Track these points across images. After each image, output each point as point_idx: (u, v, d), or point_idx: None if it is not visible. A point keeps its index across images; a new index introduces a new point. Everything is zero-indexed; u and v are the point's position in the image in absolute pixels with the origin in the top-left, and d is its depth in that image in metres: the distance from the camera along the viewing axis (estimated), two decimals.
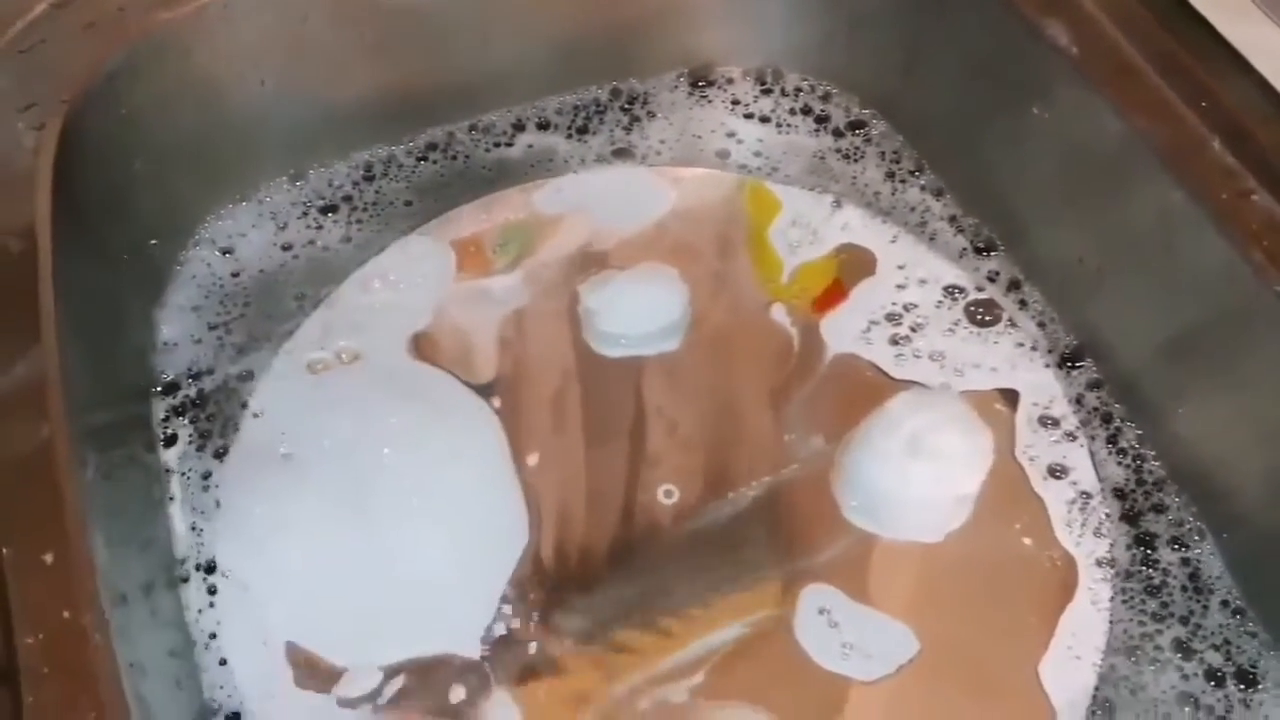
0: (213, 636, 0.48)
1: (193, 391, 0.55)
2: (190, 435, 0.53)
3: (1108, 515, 0.51)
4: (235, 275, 0.58)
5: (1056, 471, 0.52)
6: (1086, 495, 0.51)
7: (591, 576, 0.50)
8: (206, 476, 0.52)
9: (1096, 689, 0.47)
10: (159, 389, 0.55)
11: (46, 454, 0.41)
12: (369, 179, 0.62)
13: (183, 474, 0.52)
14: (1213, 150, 0.47)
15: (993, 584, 0.49)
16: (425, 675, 0.47)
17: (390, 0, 0.58)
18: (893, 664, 0.47)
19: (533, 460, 0.53)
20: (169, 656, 0.46)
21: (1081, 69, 0.50)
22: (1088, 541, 0.50)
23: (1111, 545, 0.50)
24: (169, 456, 0.52)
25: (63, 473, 0.41)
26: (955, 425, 0.50)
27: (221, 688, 0.47)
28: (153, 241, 0.57)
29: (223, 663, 0.47)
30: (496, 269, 0.59)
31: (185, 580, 0.49)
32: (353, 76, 0.60)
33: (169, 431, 0.53)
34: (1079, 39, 0.51)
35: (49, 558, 0.39)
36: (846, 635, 0.48)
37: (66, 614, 0.38)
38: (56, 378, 0.43)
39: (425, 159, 0.63)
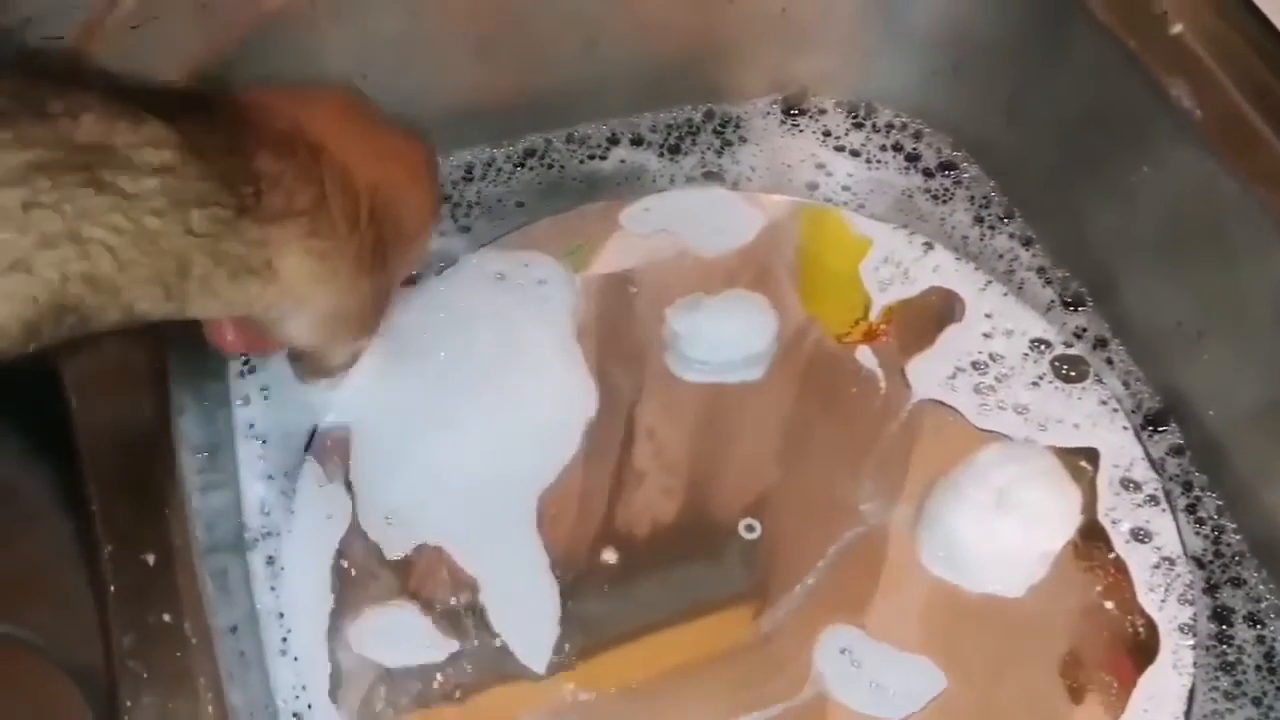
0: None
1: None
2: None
3: (1191, 583, 0.50)
4: None
5: (1140, 535, 0.52)
6: (1170, 561, 0.51)
7: (646, 607, 0.50)
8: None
9: None
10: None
11: (152, 439, 0.41)
12: (469, 180, 0.62)
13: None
14: None
15: (1072, 643, 0.49)
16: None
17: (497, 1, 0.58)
18: None
19: (603, 472, 0.53)
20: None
21: (1203, 132, 0.50)
22: (1170, 607, 0.50)
23: (1194, 613, 0.49)
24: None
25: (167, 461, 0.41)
26: (1044, 481, 0.50)
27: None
28: None
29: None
30: None
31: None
32: (457, 76, 0.60)
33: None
34: (1202, 101, 0.50)
35: (150, 558, 0.39)
36: (900, 686, 0.48)
37: (166, 617, 0.38)
38: (161, 360, 0.43)
39: (523, 164, 0.63)
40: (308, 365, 0.50)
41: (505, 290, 0.57)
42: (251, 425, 0.52)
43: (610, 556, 0.50)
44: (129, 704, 0.36)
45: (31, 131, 0.29)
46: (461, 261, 0.58)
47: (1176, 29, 0.52)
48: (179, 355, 0.46)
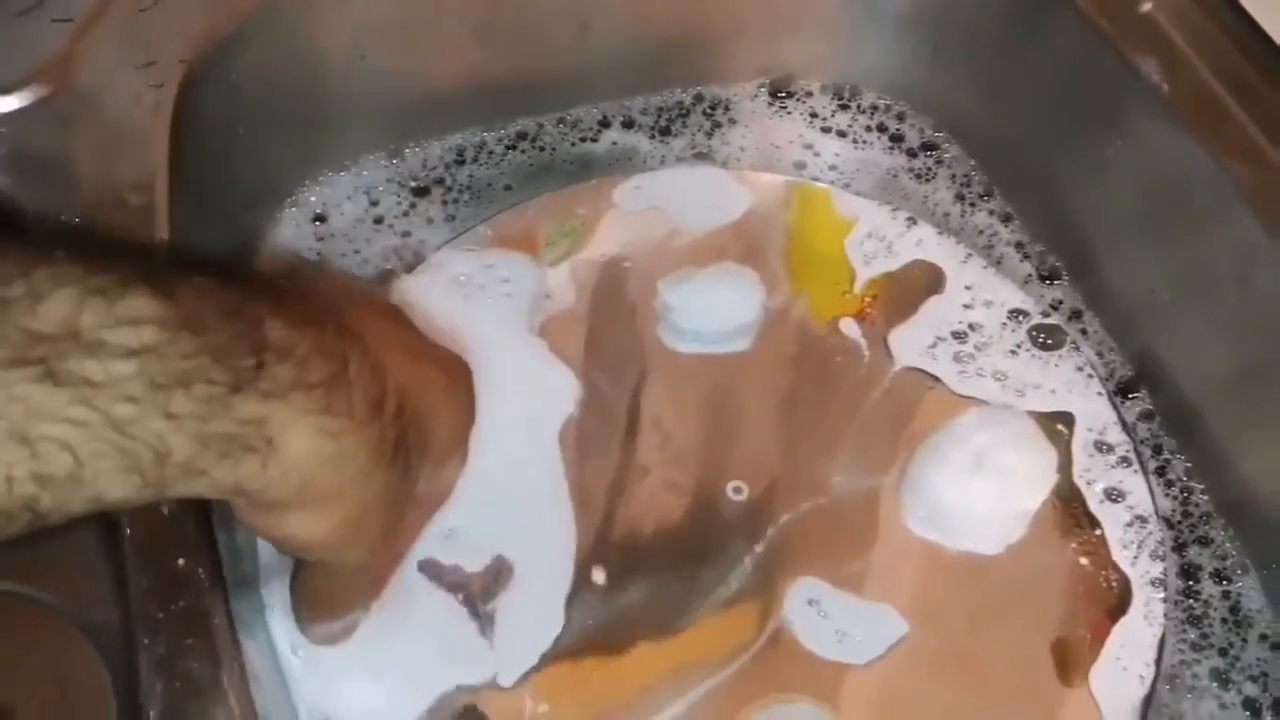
0: None
1: None
2: None
3: (1162, 540, 0.52)
4: (320, 239, 0.60)
5: (1113, 495, 0.54)
6: (1142, 520, 0.53)
7: (634, 564, 0.51)
8: None
9: (1144, 699, 0.48)
10: None
11: None
12: (460, 163, 0.64)
13: None
14: None
15: (1047, 596, 0.51)
16: None
17: None
18: (942, 672, 0.49)
19: (597, 441, 0.54)
20: None
21: (1171, 106, 0.52)
22: (1142, 563, 0.52)
23: (1165, 568, 0.52)
24: None
25: None
26: (1022, 443, 0.52)
27: None
28: (249, 204, 0.59)
29: None
30: (547, 258, 0.60)
31: None
32: (452, 58, 0.61)
33: None
34: (1170, 76, 0.53)
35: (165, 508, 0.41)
36: (862, 632, 0.50)
37: (181, 562, 0.40)
38: None
39: (514, 147, 0.65)
40: (304, 595, 0.44)
41: (463, 295, 0.57)
42: None
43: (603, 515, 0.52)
44: (145, 642, 0.38)
45: None
46: (429, 260, 0.59)
47: (1146, 8, 0.54)
48: None
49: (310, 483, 0.33)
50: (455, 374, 0.44)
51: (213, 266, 0.32)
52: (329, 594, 0.42)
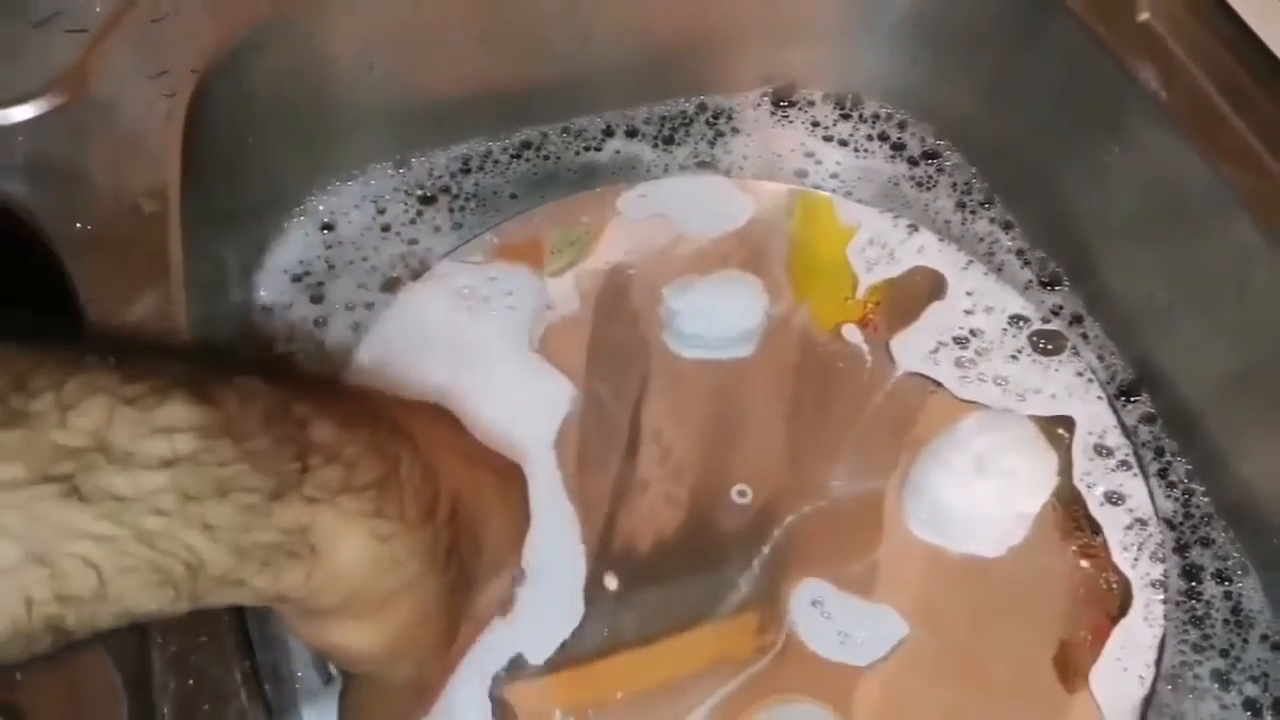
0: None
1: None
2: None
3: (1162, 543, 0.53)
4: (329, 248, 0.61)
5: (1114, 498, 0.54)
6: (1142, 522, 0.53)
7: (639, 569, 0.52)
8: None
9: (1144, 699, 0.49)
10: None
11: None
12: (466, 171, 0.64)
13: None
14: None
15: (1048, 598, 0.51)
16: None
17: None
18: (944, 673, 0.50)
19: (600, 448, 0.55)
20: None
21: (1169, 113, 0.53)
22: (1143, 564, 0.52)
23: (1165, 570, 0.52)
24: None
25: None
26: (1022, 446, 0.52)
27: None
28: (258, 211, 0.60)
29: None
30: (551, 268, 0.61)
31: None
32: (457, 68, 0.62)
33: None
34: (1167, 83, 0.53)
35: None
36: (864, 634, 0.50)
37: None
38: (185, 329, 0.46)
39: (519, 156, 0.65)
40: (354, 706, 0.40)
41: (466, 308, 0.58)
42: None
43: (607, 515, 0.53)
44: (159, 640, 0.38)
45: (2, 440, 0.25)
46: (432, 270, 0.60)
47: (1144, 16, 0.55)
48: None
49: (360, 590, 0.32)
50: (509, 479, 0.42)
51: (261, 367, 0.31)
52: (378, 709, 0.40)
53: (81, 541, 0.26)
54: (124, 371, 0.27)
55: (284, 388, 0.30)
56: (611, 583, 0.51)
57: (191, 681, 0.38)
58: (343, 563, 0.31)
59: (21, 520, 0.25)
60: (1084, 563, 0.52)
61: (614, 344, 0.58)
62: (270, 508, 0.29)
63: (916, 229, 0.63)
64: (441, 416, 0.41)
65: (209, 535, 0.27)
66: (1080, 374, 0.58)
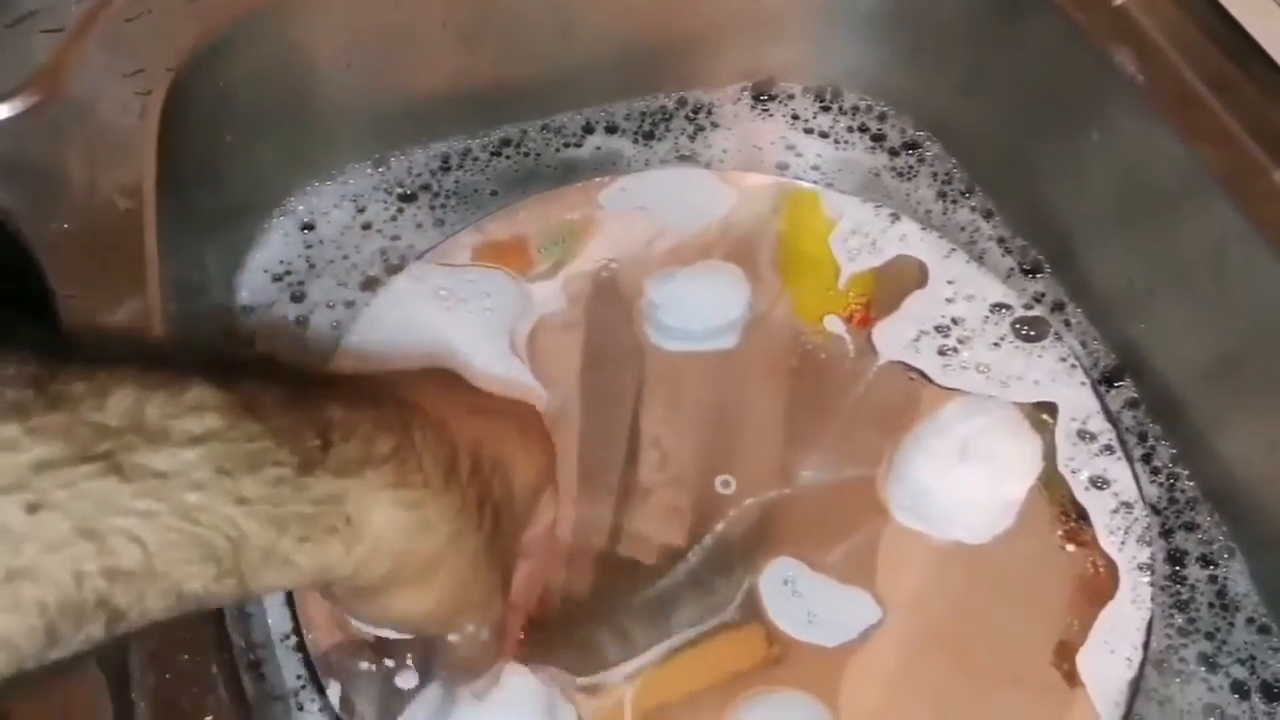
0: None
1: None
2: None
3: (1149, 526, 0.53)
4: (309, 247, 0.61)
5: (1098, 483, 0.54)
6: (1128, 506, 0.53)
7: (618, 559, 0.52)
8: None
9: (1132, 681, 0.49)
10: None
11: None
12: (446, 169, 0.64)
13: None
14: (1271, 179, 0.49)
15: (1035, 582, 0.51)
16: None
17: None
18: (932, 659, 0.49)
19: (582, 444, 0.55)
20: None
21: (1146, 97, 0.53)
22: (1130, 548, 0.52)
23: (1152, 553, 0.52)
24: None
25: None
26: (1006, 431, 0.52)
27: None
28: (238, 211, 0.60)
29: None
30: (539, 269, 0.61)
31: None
32: (436, 66, 0.62)
33: None
34: (1145, 67, 0.53)
35: None
36: (834, 616, 0.50)
37: None
38: (159, 327, 0.45)
39: (499, 154, 0.65)
40: (440, 657, 0.43)
41: (444, 308, 0.58)
42: None
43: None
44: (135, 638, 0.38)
45: (45, 422, 0.26)
46: (409, 271, 0.60)
47: (1119, 2, 0.55)
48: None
49: (402, 558, 0.33)
50: (522, 419, 0.43)
51: (262, 364, 0.33)
52: (465, 660, 0.41)
53: (125, 517, 0.27)
54: (144, 364, 0.28)
55: (291, 377, 0.32)
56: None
57: (169, 676, 0.38)
58: (379, 533, 0.32)
59: (69, 496, 0.26)
60: (1070, 547, 0.52)
61: (597, 339, 0.58)
62: (301, 481, 0.30)
63: (898, 218, 0.63)
64: (440, 377, 0.42)
65: (246, 509, 0.29)
66: (1063, 359, 0.58)
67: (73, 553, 0.26)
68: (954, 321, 0.59)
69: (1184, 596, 0.52)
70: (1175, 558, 0.53)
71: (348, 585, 0.33)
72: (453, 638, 0.39)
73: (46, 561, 0.26)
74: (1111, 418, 0.56)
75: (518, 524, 0.40)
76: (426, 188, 0.64)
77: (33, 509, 0.26)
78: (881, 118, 0.68)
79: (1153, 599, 0.51)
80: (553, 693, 0.46)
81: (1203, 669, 0.50)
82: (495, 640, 0.41)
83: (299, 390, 0.31)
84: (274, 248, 0.60)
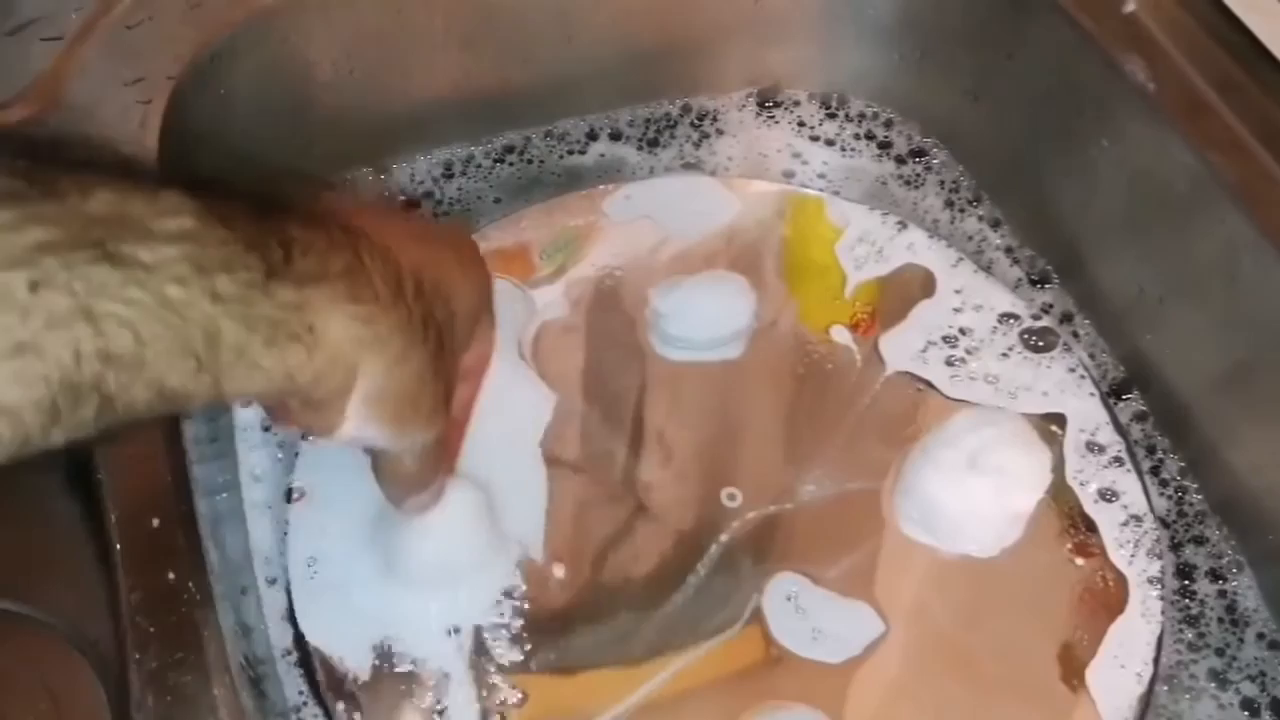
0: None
1: None
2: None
3: (1158, 539, 0.52)
4: None
5: (1108, 495, 0.53)
6: (1137, 519, 0.53)
7: (627, 571, 0.51)
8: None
9: (1142, 697, 0.48)
10: None
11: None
12: (449, 176, 0.64)
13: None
14: None
15: (1044, 596, 0.51)
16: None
17: None
18: (940, 673, 0.49)
19: (586, 453, 0.54)
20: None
21: (1156, 104, 0.52)
22: (1140, 561, 0.51)
23: (1162, 566, 0.51)
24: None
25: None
26: (1015, 443, 0.52)
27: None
28: None
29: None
30: (541, 274, 0.60)
31: None
32: (438, 73, 0.62)
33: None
34: (1154, 74, 0.53)
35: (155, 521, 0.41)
36: (838, 631, 0.50)
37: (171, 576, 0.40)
38: None
39: (502, 161, 0.65)
40: (387, 475, 0.44)
41: None
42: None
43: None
44: (137, 657, 0.38)
45: (40, 209, 0.28)
46: None
47: (1130, 8, 0.55)
48: None
49: (355, 367, 0.35)
50: (460, 245, 0.46)
51: (224, 185, 0.34)
52: (407, 473, 0.43)
53: (117, 304, 0.29)
54: (119, 173, 0.31)
55: (252, 196, 0.34)
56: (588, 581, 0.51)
57: (170, 698, 0.38)
58: (337, 344, 0.34)
59: (69, 277, 0.28)
60: (1079, 560, 0.52)
61: (602, 349, 0.58)
62: (268, 286, 0.32)
63: (905, 226, 0.62)
64: (383, 211, 0.45)
65: (221, 307, 0.31)
66: (1072, 370, 0.57)
67: (72, 332, 0.28)
68: (962, 332, 0.58)
69: (1194, 611, 0.52)
70: (1184, 571, 0.53)
71: (305, 397, 0.35)
72: (399, 451, 0.41)
73: (49, 338, 0.28)
74: (1121, 429, 0.56)
75: (458, 346, 0.43)
76: (430, 194, 0.63)
77: (35, 286, 0.27)
78: (888, 125, 0.68)
79: (1163, 612, 0.50)
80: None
81: (1213, 685, 0.50)
82: (438, 454, 0.43)
83: (260, 207, 0.33)
84: None
